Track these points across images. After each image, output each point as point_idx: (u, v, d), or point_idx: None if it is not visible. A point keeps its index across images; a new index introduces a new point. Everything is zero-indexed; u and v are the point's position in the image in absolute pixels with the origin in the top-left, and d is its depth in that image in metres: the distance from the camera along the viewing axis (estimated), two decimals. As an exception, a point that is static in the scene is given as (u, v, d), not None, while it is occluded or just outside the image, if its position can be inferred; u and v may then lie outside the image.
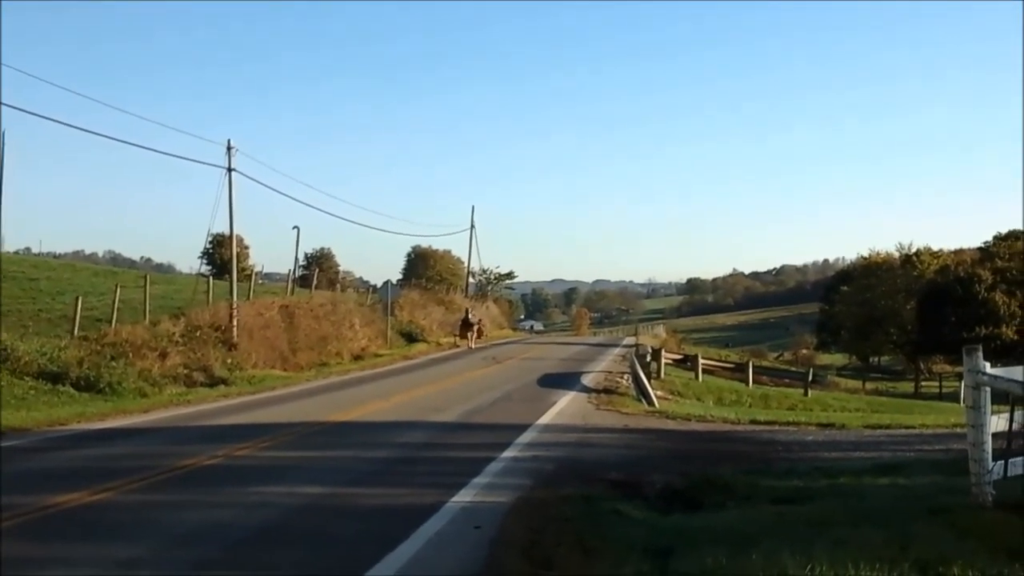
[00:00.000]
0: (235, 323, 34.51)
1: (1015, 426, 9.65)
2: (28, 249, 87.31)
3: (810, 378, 44.55)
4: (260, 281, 54.59)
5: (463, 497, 11.53)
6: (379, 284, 58.23)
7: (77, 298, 29.87)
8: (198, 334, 32.19)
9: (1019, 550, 7.44)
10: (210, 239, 57.13)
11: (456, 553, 8.84)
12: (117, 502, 11.07)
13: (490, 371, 35.76)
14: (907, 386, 71.19)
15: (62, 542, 9.15)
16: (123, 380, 25.53)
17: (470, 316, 53.50)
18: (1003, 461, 9.54)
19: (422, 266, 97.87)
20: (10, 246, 73.58)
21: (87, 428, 18.60)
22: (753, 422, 22.57)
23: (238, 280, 37.85)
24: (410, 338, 51.77)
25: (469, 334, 51.54)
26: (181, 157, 50.62)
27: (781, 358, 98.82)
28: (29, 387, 23.52)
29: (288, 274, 52.04)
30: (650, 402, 25.68)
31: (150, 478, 12.62)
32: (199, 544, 9.09)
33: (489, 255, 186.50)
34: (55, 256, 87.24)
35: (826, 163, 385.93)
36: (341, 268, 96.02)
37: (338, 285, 64.56)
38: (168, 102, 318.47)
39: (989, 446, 9.21)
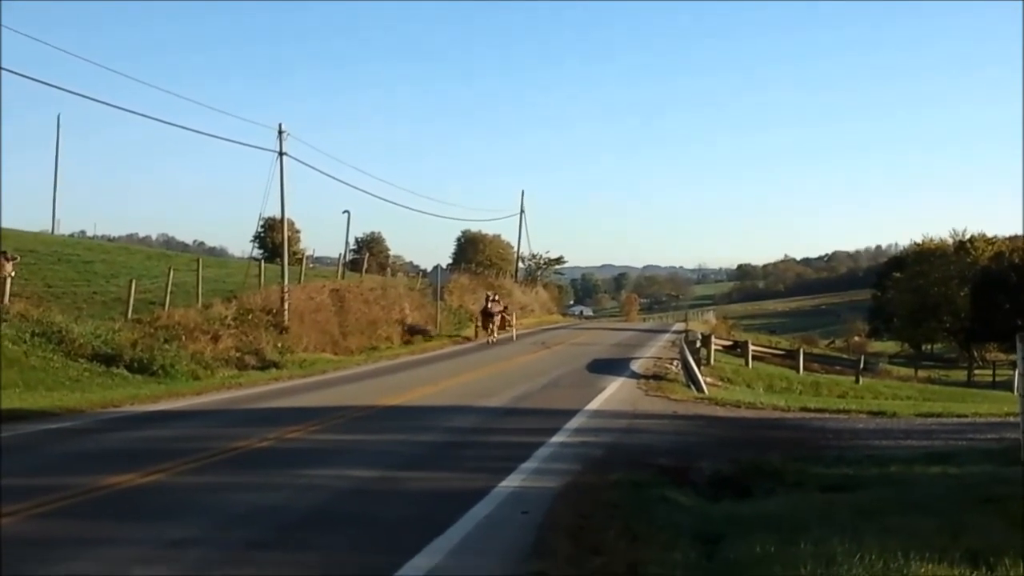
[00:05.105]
0: (286, 307, 34.78)
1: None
2: (83, 232, 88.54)
3: (861, 366, 44.02)
4: (311, 265, 54.95)
5: (511, 482, 11.56)
6: (429, 268, 58.17)
7: (131, 281, 30.25)
8: (250, 317, 32.49)
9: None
10: (262, 223, 57.79)
11: (504, 537, 8.87)
12: (169, 483, 11.21)
13: (539, 356, 35.83)
14: (960, 374, 70.30)
15: (114, 522, 9.27)
16: (176, 363, 25.82)
17: (490, 304, 46.43)
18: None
19: (472, 251, 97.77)
20: (65, 229, 74.68)
21: (140, 410, 18.85)
22: (803, 409, 22.48)
23: (289, 264, 38.14)
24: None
25: (491, 325, 45.34)
26: (234, 141, 51.19)
27: (832, 345, 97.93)
28: (83, 369, 23.84)
29: (339, 258, 52.33)
30: (699, 388, 25.60)
31: (202, 460, 12.78)
32: (249, 526, 9.19)
33: (539, 240, 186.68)
34: (109, 239, 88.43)
35: (879, 149, 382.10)
36: (391, 252, 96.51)
37: (388, 269, 64.72)
38: (218, 84, 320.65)
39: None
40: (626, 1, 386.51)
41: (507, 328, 48.37)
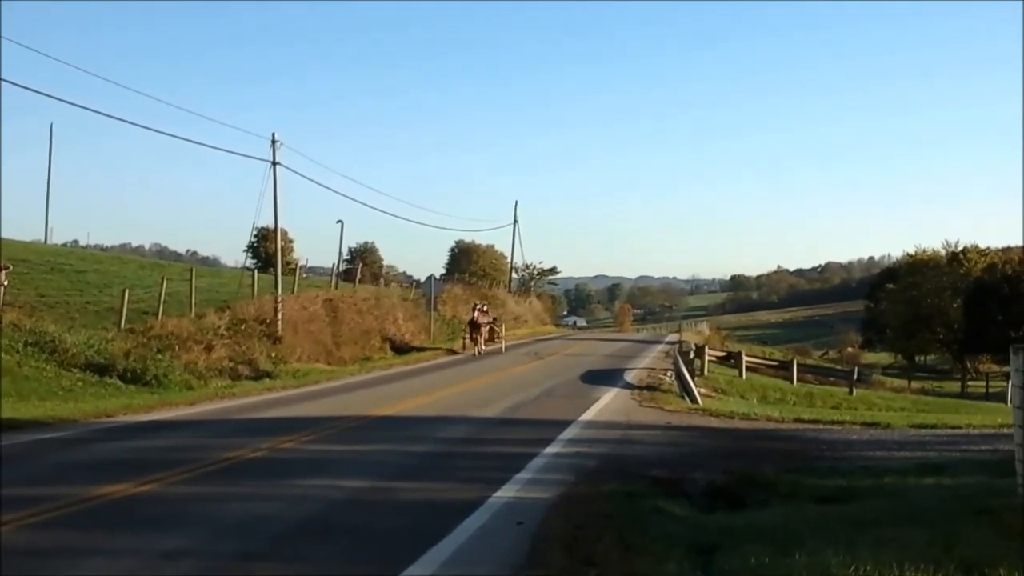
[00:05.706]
0: (280, 317, 34.78)
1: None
2: (76, 242, 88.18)
3: (855, 377, 44.06)
4: (304, 275, 54.90)
5: (506, 492, 11.53)
6: (422, 279, 58.10)
7: (124, 291, 30.22)
8: (243, 327, 32.47)
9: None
10: (255, 233, 57.83)
11: (499, 548, 8.85)
12: (162, 494, 11.17)
13: (533, 367, 35.82)
14: (953, 385, 70.47)
15: (107, 533, 9.24)
16: (169, 373, 25.78)
17: (477, 315, 44.76)
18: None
19: (465, 261, 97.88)
20: (58, 238, 74.58)
21: (133, 420, 18.78)
22: (797, 420, 22.48)
23: (283, 274, 38.09)
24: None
25: (477, 336, 43.74)
26: (227, 151, 51.08)
27: (826, 356, 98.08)
28: (76, 379, 23.79)
29: (332, 268, 52.31)
30: (693, 399, 25.57)
31: (195, 470, 12.74)
32: (243, 536, 9.16)
33: (532, 250, 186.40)
34: (102, 249, 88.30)
35: (873, 159, 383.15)
36: (385, 262, 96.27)
37: (382, 279, 64.72)
38: (211, 92, 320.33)
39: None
40: (617, 2, 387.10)
41: (496, 340, 46.92)
